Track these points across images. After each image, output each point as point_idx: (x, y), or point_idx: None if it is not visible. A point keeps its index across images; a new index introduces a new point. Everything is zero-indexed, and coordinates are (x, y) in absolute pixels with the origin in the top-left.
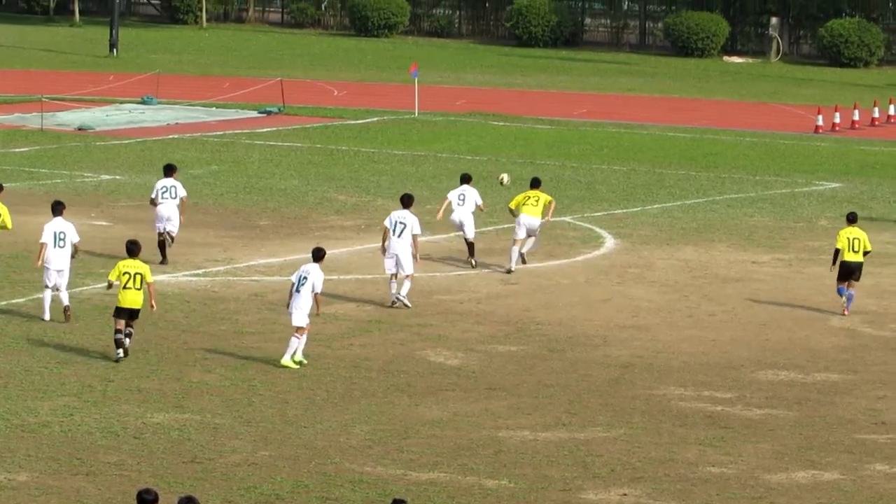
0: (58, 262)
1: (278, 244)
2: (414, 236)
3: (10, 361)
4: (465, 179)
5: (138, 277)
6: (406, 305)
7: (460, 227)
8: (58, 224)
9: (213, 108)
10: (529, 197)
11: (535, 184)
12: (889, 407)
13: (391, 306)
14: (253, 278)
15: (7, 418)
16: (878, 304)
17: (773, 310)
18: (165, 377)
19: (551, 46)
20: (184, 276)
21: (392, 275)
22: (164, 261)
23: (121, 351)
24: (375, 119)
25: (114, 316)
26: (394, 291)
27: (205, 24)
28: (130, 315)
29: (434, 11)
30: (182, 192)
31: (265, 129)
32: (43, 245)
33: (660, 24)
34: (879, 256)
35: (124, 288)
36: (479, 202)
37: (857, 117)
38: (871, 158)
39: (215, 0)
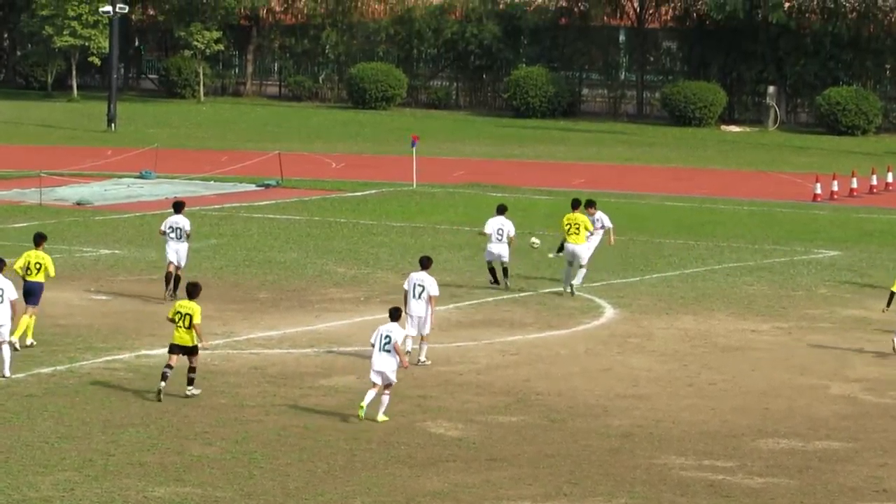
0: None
1: (278, 317)
2: (431, 297)
3: (11, 436)
4: (501, 210)
5: (188, 318)
6: (425, 363)
7: (498, 257)
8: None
9: (212, 182)
10: (570, 224)
11: (576, 205)
12: (891, 475)
13: (416, 364)
14: (252, 351)
15: (8, 493)
16: (879, 372)
17: (772, 378)
18: (166, 451)
19: (549, 117)
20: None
21: (413, 336)
22: (173, 294)
23: (163, 383)
24: (374, 191)
25: (168, 352)
26: (413, 349)
27: (202, 97)
28: (183, 351)
29: (431, 83)
30: (187, 229)
31: (263, 203)
32: None
33: (657, 94)
34: (881, 324)
35: (177, 327)
36: (513, 233)
37: (855, 185)
38: (869, 226)
39: (213, 74)
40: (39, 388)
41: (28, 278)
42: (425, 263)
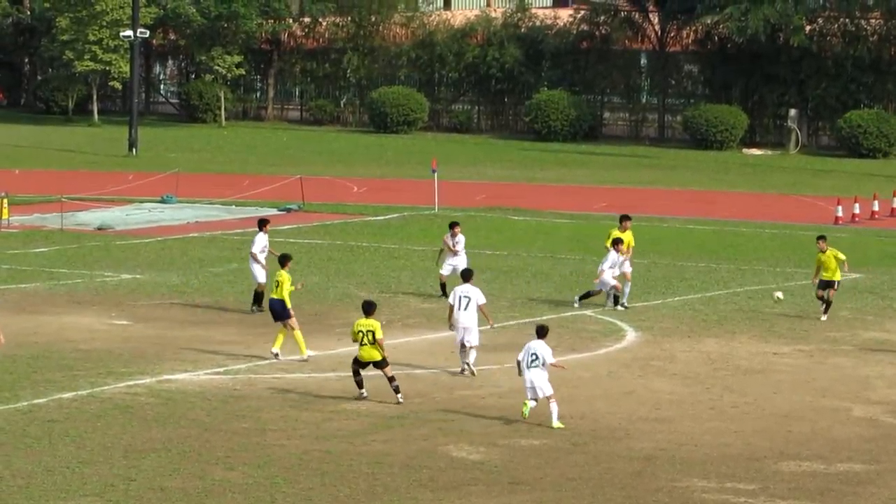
0: None
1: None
2: (480, 306)
3: (32, 461)
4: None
5: (370, 334)
6: (473, 373)
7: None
8: None
9: (233, 206)
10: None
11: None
12: None
13: (461, 373)
14: (275, 375)
15: None
16: None
17: (795, 401)
18: (188, 475)
19: (570, 140)
20: (205, 374)
21: (461, 345)
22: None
23: (363, 391)
24: (396, 215)
25: (352, 365)
26: (463, 360)
27: (224, 122)
28: (374, 365)
29: (453, 107)
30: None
31: (285, 227)
32: None
33: (678, 118)
34: None
35: (361, 345)
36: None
37: (876, 208)
38: (891, 248)
39: (234, 98)
40: (61, 414)
41: None
42: (467, 276)
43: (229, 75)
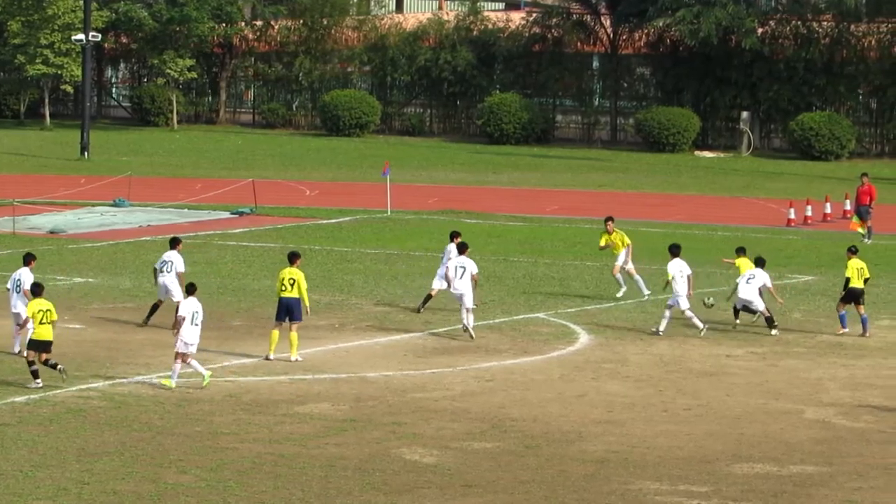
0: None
1: (252, 344)
2: (473, 275)
3: None
4: (462, 249)
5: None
6: (472, 336)
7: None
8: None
9: (186, 210)
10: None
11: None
12: (864, 499)
13: (464, 331)
14: (227, 379)
15: None
16: (852, 396)
17: (747, 403)
18: (141, 479)
19: (523, 143)
20: (158, 378)
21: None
22: (147, 321)
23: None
24: (348, 218)
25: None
26: (465, 322)
27: (176, 125)
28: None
29: (405, 110)
30: (181, 268)
31: (238, 230)
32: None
33: (631, 120)
34: (854, 348)
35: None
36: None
37: (828, 210)
38: (843, 251)
39: (186, 102)
40: (13, 417)
41: None
42: (462, 248)
43: (181, 79)
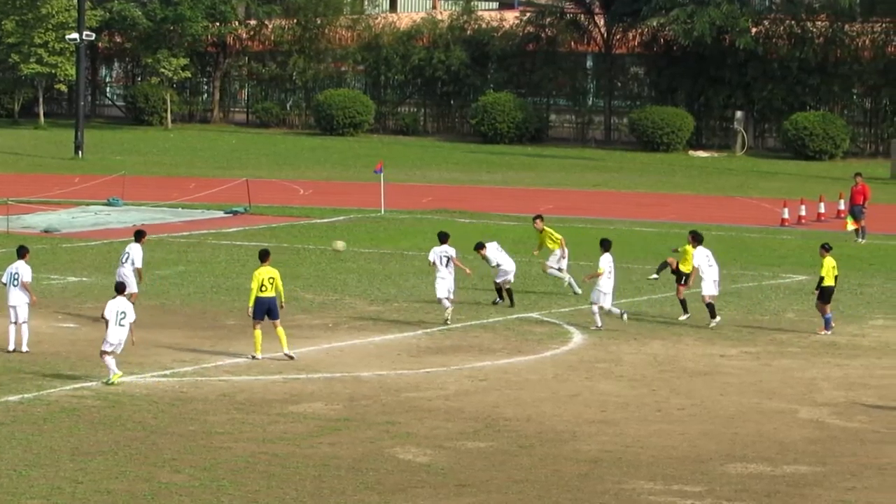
0: (13, 300)
1: (246, 343)
2: (455, 260)
3: None
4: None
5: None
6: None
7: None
8: (16, 266)
9: (179, 209)
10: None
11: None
12: (858, 498)
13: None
14: (221, 378)
15: None
16: (846, 396)
17: (741, 403)
18: (134, 478)
19: (517, 143)
20: (151, 377)
21: (445, 299)
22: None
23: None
24: (342, 217)
25: None
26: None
27: (170, 125)
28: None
29: (399, 109)
30: (139, 263)
31: (232, 229)
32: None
33: (625, 120)
34: (847, 348)
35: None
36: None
37: (822, 210)
38: (837, 251)
39: (180, 101)
40: (7, 416)
41: None
42: (444, 238)
43: (175, 78)
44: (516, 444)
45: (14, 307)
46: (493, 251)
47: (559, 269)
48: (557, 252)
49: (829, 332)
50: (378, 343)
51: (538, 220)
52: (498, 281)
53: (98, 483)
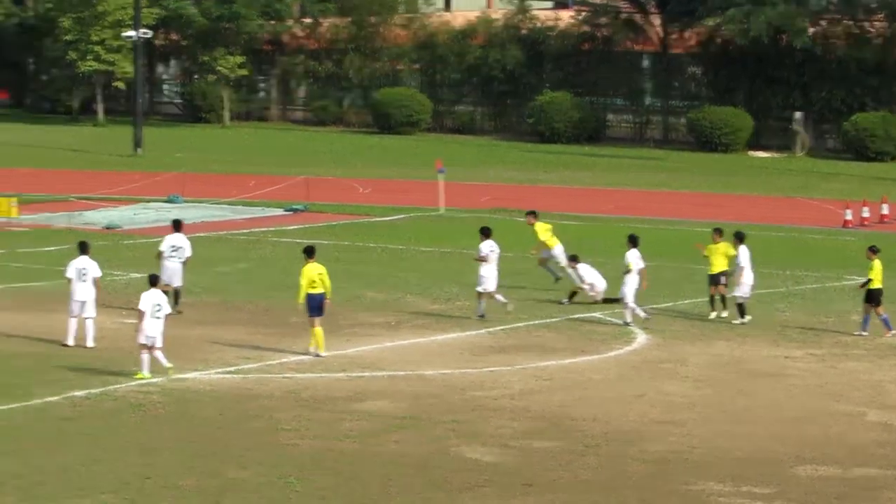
0: (81, 294)
1: (309, 340)
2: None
3: (47, 459)
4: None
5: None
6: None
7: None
8: (81, 262)
9: (239, 206)
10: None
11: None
12: None
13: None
14: (285, 375)
15: None
16: None
17: (808, 404)
18: (202, 474)
19: (574, 142)
20: (216, 374)
21: (491, 292)
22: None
23: None
24: (402, 216)
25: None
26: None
27: (227, 122)
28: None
29: (456, 108)
30: (188, 252)
31: (291, 227)
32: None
33: (682, 120)
34: None
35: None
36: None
37: (885, 211)
38: None
39: (237, 99)
40: (74, 411)
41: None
42: (488, 232)
43: (232, 76)
44: (582, 444)
45: (82, 302)
46: (586, 269)
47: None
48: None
49: (894, 333)
50: (441, 341)
51: (530, 217)
52: (589, 294)
53: (166, 478)
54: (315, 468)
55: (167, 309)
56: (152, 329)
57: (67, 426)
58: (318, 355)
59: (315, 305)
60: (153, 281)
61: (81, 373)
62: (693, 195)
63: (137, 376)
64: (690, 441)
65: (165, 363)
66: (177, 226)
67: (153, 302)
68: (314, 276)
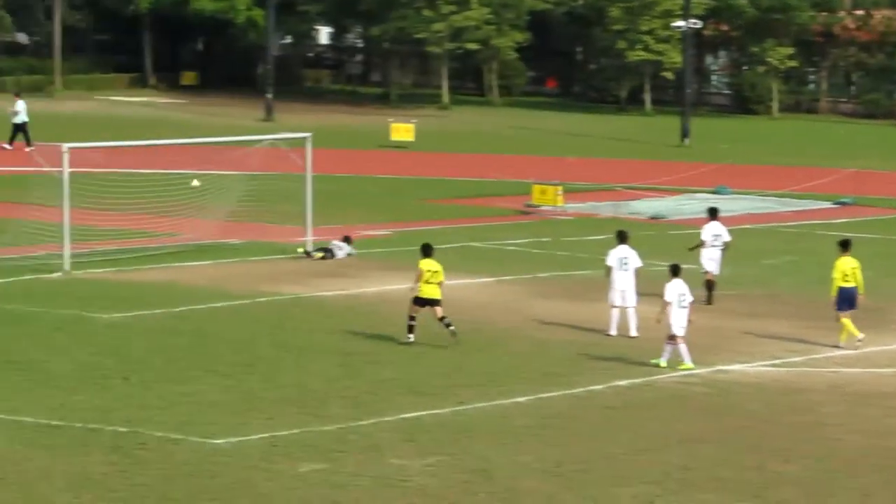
0: (621, 283)
1: (839, 335)
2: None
3: (591, 448)
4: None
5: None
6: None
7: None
8: (622, 251)
9: (786, 199)
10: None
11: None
12: None
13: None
14: (831, 370)
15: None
16: None
17: None
18: (744, 467)
19: None
20: (760, 366)
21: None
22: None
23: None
24: None
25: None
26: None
27: (776, 114)
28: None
29: None
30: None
31: (839, 220)
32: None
33: None
34: None
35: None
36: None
37: None
38: None
39: (786, 90)
40: (617, 400)
41: None
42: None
43: (782, 67)
44: None
45: (623, 291)
46: None
47: None
48: None
49: None
50: None
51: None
52: None
53: (708, 470)
54: (861, 464)
55: (690, 297)
56: (680, 319)
57: (613, 415)
58: (858, 341)
59: (846, 298)
60: (675, 271)
61: (623, 362)
62: None
63: (681, 367)
64: None
65: (686, 358)
66: (713, 213)
67: (678, 292)
68: (847, 269)
